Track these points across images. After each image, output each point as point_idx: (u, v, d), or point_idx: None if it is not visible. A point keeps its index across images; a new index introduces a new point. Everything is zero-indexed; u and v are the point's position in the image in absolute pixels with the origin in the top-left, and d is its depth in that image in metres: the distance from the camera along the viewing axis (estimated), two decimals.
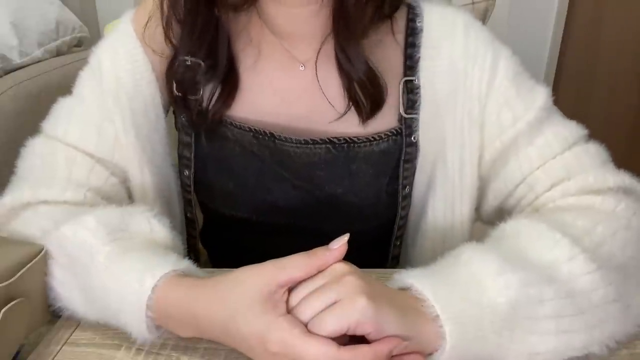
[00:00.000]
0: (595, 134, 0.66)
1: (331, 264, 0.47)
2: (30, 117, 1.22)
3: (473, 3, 1.07)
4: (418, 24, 0.67)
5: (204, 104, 0.68)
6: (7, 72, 1.26)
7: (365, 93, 0.65)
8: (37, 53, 1.33)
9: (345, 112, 0.66)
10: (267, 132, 0.67)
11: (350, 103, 0.66)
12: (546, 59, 2.30)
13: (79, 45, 1.52)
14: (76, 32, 1.49)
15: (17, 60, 1.28)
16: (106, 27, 1.44)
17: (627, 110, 2.36)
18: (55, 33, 1.41)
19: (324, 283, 0.45)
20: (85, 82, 0.68)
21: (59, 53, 1.41)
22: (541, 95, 0.66)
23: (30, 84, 1.23)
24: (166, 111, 0.71)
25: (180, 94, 0.68)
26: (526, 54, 0.71)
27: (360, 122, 0.67)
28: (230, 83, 0.68)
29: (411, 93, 0.67)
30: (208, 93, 0.68)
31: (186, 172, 0.72)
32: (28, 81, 1.23)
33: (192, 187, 0.73)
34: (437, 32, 0.66)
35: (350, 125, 0.68)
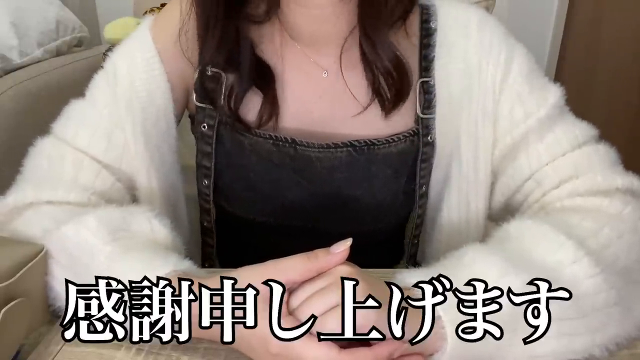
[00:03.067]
0: None
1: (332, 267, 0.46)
2: (30, 117, 1.23)
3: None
4: (432, 25, 0.68)
5: (250, 119, 0.68)
6: (7, 72, 1.26)
7: (389, 83, 0.65)
8: (37, 53, 1.33)
9: (369, 105, 0.67)
10: (289, 138, 0.68)
11: (374, 94, 0.66)
12: (546, 59, 2.30)
13: (79, 45, 1.51)
14: (76, 32, 1.49)
15: (17, 60, 1.28)
16: (106, 27, 1.45)
17: (627, 109, 2.36)
18: (55, 33, 1.41)
19: (325, 285, 0.45)
20: (99, 86, 0.68)
21: (58, 53, 1.40)
22: (554, 93, 0.66)
23: (30, 84, 1.23)
24: (178, 121, 0.71)
25: (202, 104, 0.69)
26: None
27: (383, 116, 0.67)
28: (269, 97, 0.68)
29: (427, 93, 0.68)
30: (231, 102, 0.68)
31: (205, 182, 0.72)
32: (28, 81, 1.24)
33: (212, 196, 0.73)
34: (452, 31, 0.67)
35: (370, 128, 0.68)
